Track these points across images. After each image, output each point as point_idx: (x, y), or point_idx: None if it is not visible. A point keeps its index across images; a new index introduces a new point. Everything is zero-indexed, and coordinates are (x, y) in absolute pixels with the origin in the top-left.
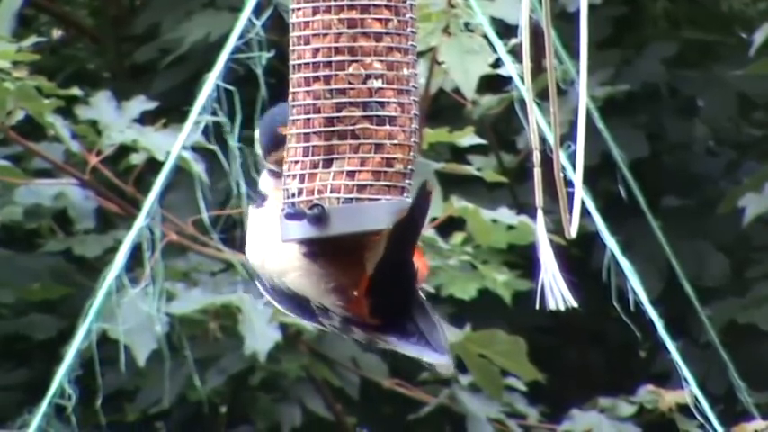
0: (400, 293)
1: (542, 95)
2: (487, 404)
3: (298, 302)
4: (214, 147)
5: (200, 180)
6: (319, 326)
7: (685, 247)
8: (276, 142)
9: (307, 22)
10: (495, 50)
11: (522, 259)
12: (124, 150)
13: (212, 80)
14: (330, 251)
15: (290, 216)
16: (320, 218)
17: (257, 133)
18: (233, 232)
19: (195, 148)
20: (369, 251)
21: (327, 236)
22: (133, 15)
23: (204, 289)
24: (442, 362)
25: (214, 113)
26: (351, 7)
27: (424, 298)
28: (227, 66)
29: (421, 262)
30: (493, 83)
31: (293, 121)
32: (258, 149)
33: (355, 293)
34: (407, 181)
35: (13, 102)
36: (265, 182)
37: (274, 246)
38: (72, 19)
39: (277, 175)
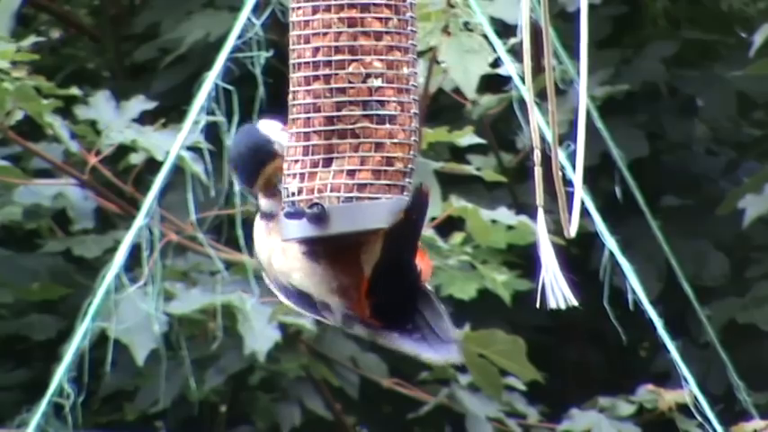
0: (401, 295)
1: (542, 95)
2: (487, 404)
3: (304, 298)
4: (206, 145)
5: (196, 179)
6: (322, 319)
7: (685, 246)
8: (256, 168)
9: (307, 21)
10: (494, 50)
11: (522, 259)
12: (123, 150)
13: (211, 79)
14: (330, 251)
15: (289, 215)
16: (320, 217)
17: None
18: (223, 231)
19: (194, 148)
20: (365, 252)
21: (327, 235)
22: (133, 15)
23: (203, 289)
24: (442, 359)
25: (212, 113)
26: (351, 6)
27: (430, 289)
28: (226, 65)
29: (424, 262)
30: (492, 82)
31: (293, 120)
32: (238, 181)
33: (356, 294)
34: (407, 180)
35: (12, 102)
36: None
37: (278, 246)
38: (71, 18)
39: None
